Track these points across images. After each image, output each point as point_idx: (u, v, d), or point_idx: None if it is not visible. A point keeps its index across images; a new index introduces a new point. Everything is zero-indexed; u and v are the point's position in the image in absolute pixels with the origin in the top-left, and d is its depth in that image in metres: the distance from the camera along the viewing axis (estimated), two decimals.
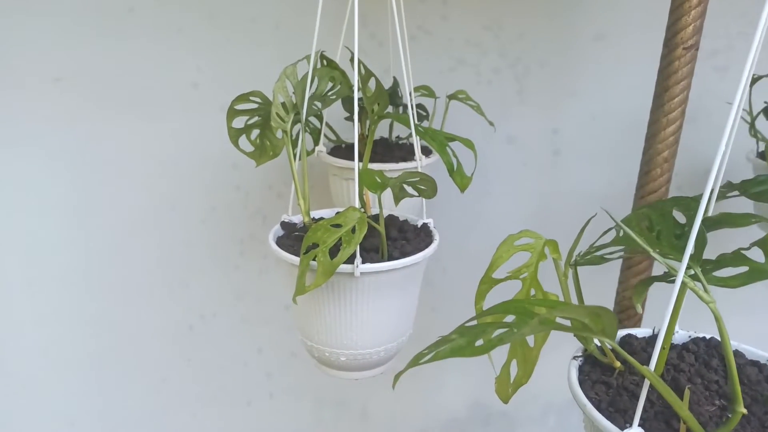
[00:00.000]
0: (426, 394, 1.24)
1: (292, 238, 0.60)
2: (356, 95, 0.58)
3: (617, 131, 1.10)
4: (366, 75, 0.61)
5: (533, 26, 1.04)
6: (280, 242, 0.60)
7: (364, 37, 1.03)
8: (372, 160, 0.82)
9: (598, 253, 0.43)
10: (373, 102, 0.63)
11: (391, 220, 0.63)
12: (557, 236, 0.54)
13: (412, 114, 0.64)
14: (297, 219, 0.65)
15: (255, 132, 0.66)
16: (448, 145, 0.62)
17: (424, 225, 0.63)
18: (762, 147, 0.97)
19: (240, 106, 0.63)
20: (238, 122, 0.68)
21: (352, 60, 0.66)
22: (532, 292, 0.43)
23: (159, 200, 1.10)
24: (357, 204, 0.63)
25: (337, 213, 0.59)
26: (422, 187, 0.56)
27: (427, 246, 0.59)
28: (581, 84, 1.07)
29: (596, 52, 1.05)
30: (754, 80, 0.93)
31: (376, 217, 0.65)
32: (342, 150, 0.89)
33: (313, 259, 0.50)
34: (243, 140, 0.75)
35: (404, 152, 0.86)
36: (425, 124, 0.92)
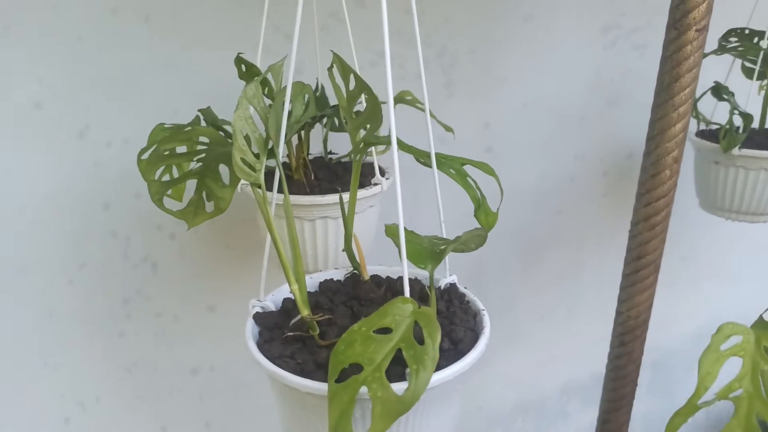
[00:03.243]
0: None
1: (285, 341, 0.41)
2: (349, 111, 0.40)
3: (548, 119, 1.02)
4: (358, 88, 0.43)
5: (458, 7, 0.91)
6: (266, 349, 0.40)
7: (267, 30, 0.82)
8: (315, 190, 0.64)
9: None
10: (362, 124, 0.45)
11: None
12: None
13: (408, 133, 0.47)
14: (273, 304, 0.45)
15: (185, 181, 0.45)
16: (468, 175, 0.47)
17: (451, 287, 0.47)
18: (703, 126, 0.93)
19: (166, 148, 0.42)
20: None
21: (330, 68, 0.47)
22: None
23: (2, 262, 0.81)
24: (332, 260, 0.46)
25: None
26: (473, 246, 0.40)
27: (475, 320, 0.43)
28: (510, 70, 0.97)
29: (525, 34, 0.95)
30: None
31: (377, 281, 0.48)
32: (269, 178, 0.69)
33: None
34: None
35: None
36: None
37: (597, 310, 1.17)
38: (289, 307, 0.45)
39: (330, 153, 0.75)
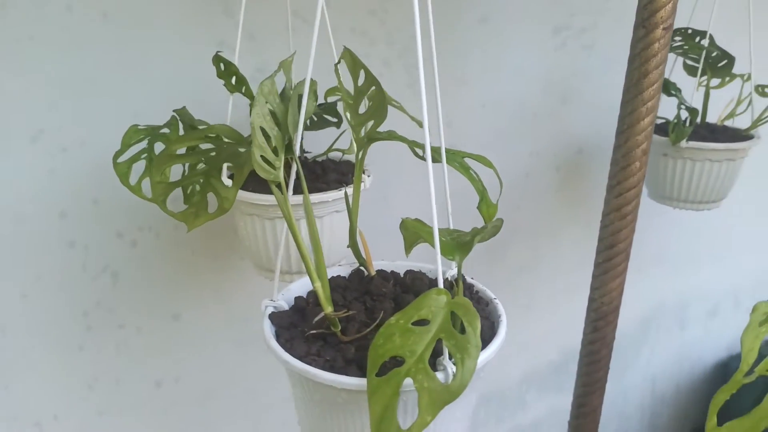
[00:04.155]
0: None
1: (306, 339, 0.40)
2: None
3: (505, 118, 1.05)
4: (367, 83, 0.43)
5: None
6: (290, 348, 0.39)
7: (229, 28, 0.80)
8: (298, 190, 0.63)
9: None
10: (366, 120, 0.45)
11: (414, 279, 0.46)
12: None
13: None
14: (286, 303, 0.44)
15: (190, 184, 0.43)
16: (471, 168, 0.48)
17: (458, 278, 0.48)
18: None
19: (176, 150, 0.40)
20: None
21: (338, 64, 0.47)
22: None
23: None
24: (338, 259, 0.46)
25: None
26: (486, 237, 0.41)
27: (487, 308, 0.44)
28: (469, 70, 0.99)
29: (482, 35, 0.98)
30: None
31: (383, 276, 0.48)
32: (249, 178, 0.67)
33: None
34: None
35: (338, 173, 0.68)
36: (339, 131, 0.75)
37: (553, 301, 1.21)
38: (302, 305, 0.44)
39: (305, 152, 0.75)
